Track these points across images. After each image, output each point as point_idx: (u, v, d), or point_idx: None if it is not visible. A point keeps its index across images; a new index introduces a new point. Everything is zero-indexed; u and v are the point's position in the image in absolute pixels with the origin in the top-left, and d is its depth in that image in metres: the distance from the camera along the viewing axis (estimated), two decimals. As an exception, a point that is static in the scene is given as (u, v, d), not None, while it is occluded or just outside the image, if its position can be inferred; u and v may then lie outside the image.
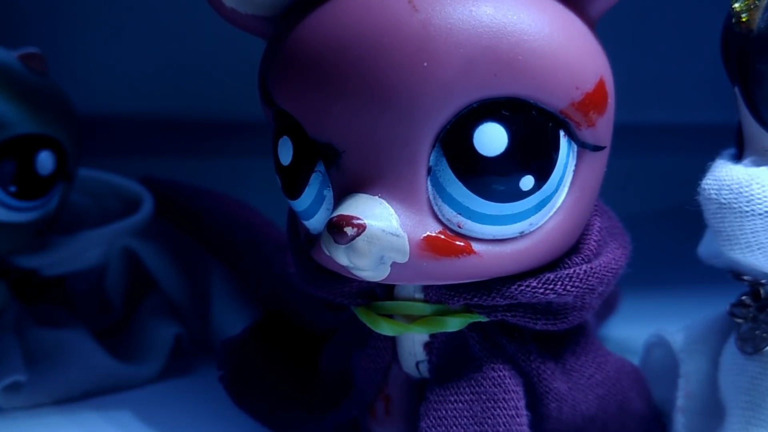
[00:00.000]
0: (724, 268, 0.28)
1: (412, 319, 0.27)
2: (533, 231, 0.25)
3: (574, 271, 0.26)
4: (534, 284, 0.25)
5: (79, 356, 0.38)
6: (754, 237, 0.25)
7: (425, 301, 0.27)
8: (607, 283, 0.27)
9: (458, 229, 0.24)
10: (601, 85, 0.24)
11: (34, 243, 0.39)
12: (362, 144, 0.24)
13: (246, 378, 0.34)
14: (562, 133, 0.24)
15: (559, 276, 0.26)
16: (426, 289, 0.27)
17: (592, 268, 0.26)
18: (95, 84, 0.56)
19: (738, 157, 0.27)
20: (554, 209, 0.25)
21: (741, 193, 0.25)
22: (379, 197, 0.24)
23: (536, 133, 0.23)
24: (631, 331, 0.42)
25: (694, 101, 0.67)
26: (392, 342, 0.29)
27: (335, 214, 0.23)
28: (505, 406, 0.27)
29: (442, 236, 0.24)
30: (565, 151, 0.24)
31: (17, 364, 0.36)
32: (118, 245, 0.41)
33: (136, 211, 0.43)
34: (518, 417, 0.27)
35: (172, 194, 0.45)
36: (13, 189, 0.37)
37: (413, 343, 0.28)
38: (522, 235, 0.25)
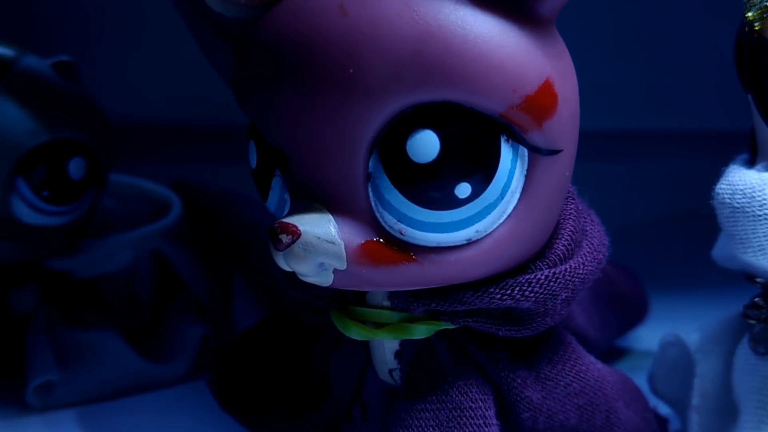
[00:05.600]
0: (737, 270, 0.28)
1: (381, 325, 0.27)
2: (481, 239, 0.24)
3: (535, 276, 0.25)
4: (491, 290, 0.25)
5: (110, 356, 0.38)
6: (766, 240, 0.25)
7: (392, 308, 0.26)
8: (572, 289, 0.25)
9: (401, 237, 0.23)
10: (546, 88, 0.23)
11: (66, 246, 0.39)
12: (304, 150, 0.23)
13: (232, 383, 0.33)
14: (504, 138, 0.22)
15: (518, 281, 0.24)
16: (392, 296, 0.26)
17: (554, 273, 0.25)
18: (126, 91, 0.56)
19: (751, 163, 0.27)
20: (503, 216, 0.24)
21: (754, 197, 0.25)
22: (320, 204, 0.23)
23: (471, 139, 0.22)
24: (647, 331, 0.43)
25: (708, 108, 0.67)
26: (364, 347, 0.28)
27: (277, 221, 0.23)
28: (472, 414, 0.26)
29: (381, 244, 0.23)
30: (510, 157, 0.23)
31: (49, 364, 0.37)
32: (147, 248, 0.42)
33: (165, 214, 0.43)
34: (486, 426, 0.26)
35: (201, 196, 0.45)
36: (45, 193, 0.37)
37: (384, 351, 0.28)
38: (469, 243, 0.24)
